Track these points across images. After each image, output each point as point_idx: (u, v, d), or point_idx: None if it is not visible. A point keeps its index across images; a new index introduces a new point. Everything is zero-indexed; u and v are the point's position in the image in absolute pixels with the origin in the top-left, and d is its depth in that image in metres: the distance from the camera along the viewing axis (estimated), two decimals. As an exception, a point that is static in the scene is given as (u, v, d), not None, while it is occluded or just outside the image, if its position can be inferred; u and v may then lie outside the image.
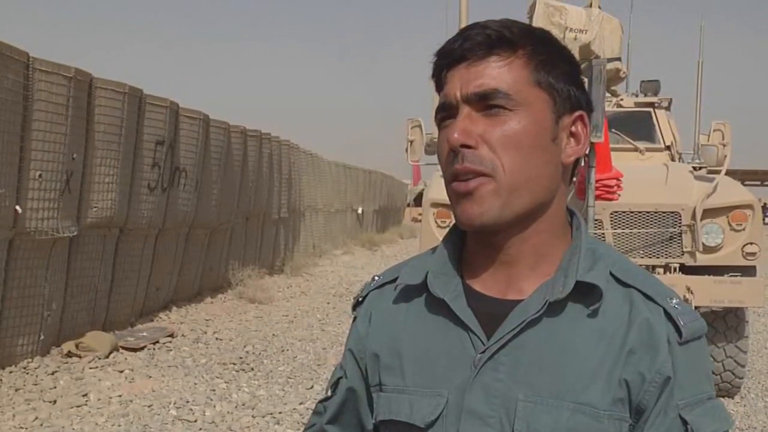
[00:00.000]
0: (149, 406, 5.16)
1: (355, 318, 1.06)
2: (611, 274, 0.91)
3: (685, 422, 0.87)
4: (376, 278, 1.06)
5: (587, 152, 5.04)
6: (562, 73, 0.92)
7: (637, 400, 0.87)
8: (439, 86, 0.94)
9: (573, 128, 0.93)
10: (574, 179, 5.47)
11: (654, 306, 0.89)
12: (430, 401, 0.91)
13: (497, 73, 0.88)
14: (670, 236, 5.26)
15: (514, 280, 0.93)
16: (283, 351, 7.16)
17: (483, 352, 0.89)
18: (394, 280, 1.01)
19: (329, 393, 1.06)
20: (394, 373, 0.96)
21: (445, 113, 0.92)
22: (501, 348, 0.89)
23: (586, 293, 0.89)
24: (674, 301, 0.90)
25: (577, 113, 0.93)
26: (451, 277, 0.95)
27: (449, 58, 0.92)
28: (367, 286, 1.06)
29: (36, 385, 5.49)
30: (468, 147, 0.88)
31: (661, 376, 0.87)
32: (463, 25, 5.86)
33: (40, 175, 5.87)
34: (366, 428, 1.03)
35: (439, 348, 0.93)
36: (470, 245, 0.98)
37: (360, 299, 1.06)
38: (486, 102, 0.88)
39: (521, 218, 0.90)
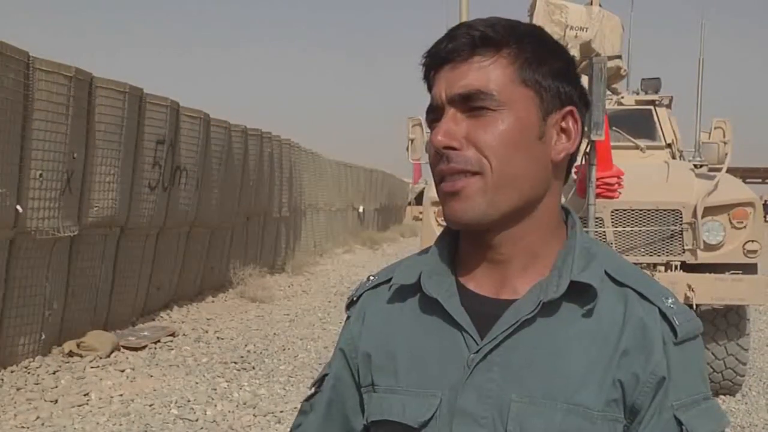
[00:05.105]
0: (150, 406, 5.16)
1: (348, 317, 1.06)
2: (606, 273, 0.90)
3: (680, 423, 0.86)
4: (371, 278, 1.05)
5: (587, 150, 5.04)
6: (550, 69, 0.91)
7: (632, 400, 0.87)
8: (429, 87, 0.94)
9: (563, 124, 0.92)
10: (575, 177, 5.46)
11: (649, 305, 0.89)
12: (424, 401, 0.91)
13: (481, 73, 0.88)
14: (671, 234, 5.25)
15: (508, 279, 0.93)
16: (284, 350, 7.17)
17: (476, 352, 0.89)
18: (389, 280, 1.00)
19: (313, 390, 1.06)
20: (387, 373, 0.96)
21: (433, 114, 0.92)
22: (494, 348, 0.88)
23: (580, 293, 0.88)
24: (669, 300, 0.89)
25: (567, 108, 0.92)
26: (444, 277, 0.95)
27: (435, 60, 0.92)
28: (362, 286, 1.05)
29: (37, 384, 5.50)
30: (453, 149, 0.88)
31: (655, 377, 0.86)
32: (464, 23, 5.84)
33: (40, 175, 5.88)
34: (353, 429, 1.02)
35: (433, 348, 0.92)
36: (463, 245, 0.97)
37: (354, 299, 1.05)
38: (470, 103, 0.88)
39: (510, 216, 0.90)
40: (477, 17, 0.94)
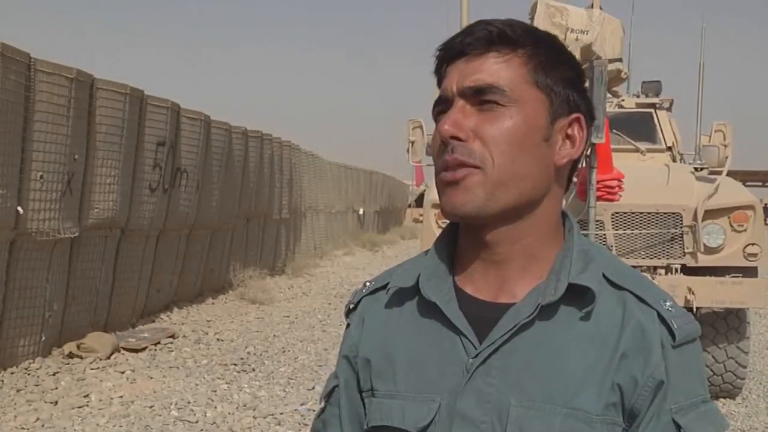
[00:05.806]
0: (150, 407, 5.16)
1: (348, 325, 1.05)
2: (604, 276, 0.90)
3: (678, 426, 0.86)
4: (368, 284, 1.05)
5: (588, 153, 5.04)
6: (562, 76, 0.92)
7: (630, 404, 0.86)
8: (440, 80, 0.95)
9: (569, 130, 0.93)
10: (575, 180, 5.49)
11: (647, 309, 0.88)
12: (423, 406, 0.91)
13: (494, 69, 0.89)
14: (672, 237, 5.25)
15: (506, 282, 0.93)
16: (284, 352, 7.17)
17: (475, 356, 0.89)
18: (386, 285, 1.00)
19: (322, 403, 1.03)
20: (386, 377, 0.95)
21: (442, 107, 0.93)
22: (493, 352, 0.88)
23: (578, 296, 0.88)
24: (668, 303, 0.89)
25: (574, 115, 0.93)
26: (443, 280, 0.95)
27: (450, 53, 0.93)
28: (359, 293, 1.05)
29: (37, 385, 5.50)
30: (458, 139, 0.88)
31: (654, 380, 0.86)
32: (465, 25, 5.84)
33: (41, 176, 5.88)
34: None
35: (432, 352, 0.92)
36: (462, 245, 0.97)
37: (352, 306, 1.05)
38: (480, 97, 0.89)
39: (507, 214, 0.90)
40: (477, 18, 0.95)
